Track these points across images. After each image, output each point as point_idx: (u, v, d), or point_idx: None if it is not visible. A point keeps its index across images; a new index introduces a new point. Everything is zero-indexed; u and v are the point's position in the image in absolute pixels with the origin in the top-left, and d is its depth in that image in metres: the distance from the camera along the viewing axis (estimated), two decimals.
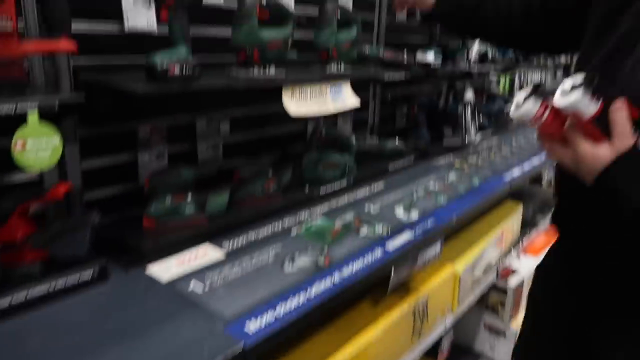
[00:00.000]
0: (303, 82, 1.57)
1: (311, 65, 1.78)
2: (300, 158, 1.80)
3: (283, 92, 1.52)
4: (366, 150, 2.10)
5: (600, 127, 0.86)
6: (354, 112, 2.33)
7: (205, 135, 1.70)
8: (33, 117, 1.03)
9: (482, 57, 2.83)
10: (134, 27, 1.42)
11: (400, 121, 2.79)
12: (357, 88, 1.77)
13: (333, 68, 1.78)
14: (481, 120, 2.91)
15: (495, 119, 3.05)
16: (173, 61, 1.26)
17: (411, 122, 2.72)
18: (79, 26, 1.32)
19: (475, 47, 2.76)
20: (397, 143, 2.26)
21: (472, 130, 2.66)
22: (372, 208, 1.72)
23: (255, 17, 1.46)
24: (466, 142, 2.61)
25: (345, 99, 1.74)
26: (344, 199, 1.78)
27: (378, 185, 1.95)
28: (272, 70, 1.55)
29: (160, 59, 1.25)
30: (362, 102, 1.79)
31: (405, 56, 2.14)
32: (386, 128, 2.62)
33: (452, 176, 2.12)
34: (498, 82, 3.74)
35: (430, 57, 2.41)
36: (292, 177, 1.73)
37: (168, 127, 1.60)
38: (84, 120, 1.31)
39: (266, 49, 1.50)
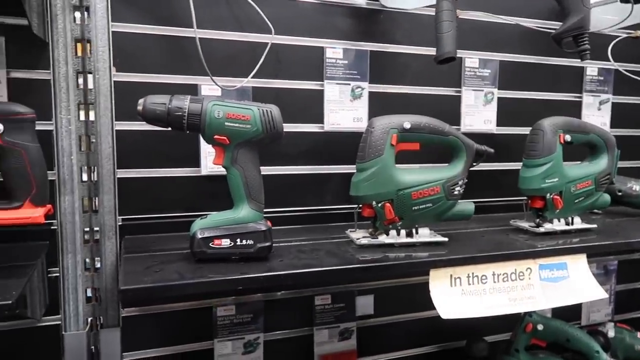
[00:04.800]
0: (475, 260, 0.88)
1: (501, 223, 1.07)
2: None
3: (430, 277, 0.86)
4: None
5: None
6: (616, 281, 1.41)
7: (324, 316, 1.14)
8: None
9: None
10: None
11: None
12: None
13: (549, 226, 1.03)
14: None
15: None
16: (220, 229, 0.79)
17: None
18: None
19: None
20: None
21: None
22: None
23: (391, 151, 0.89)
24: None
25: (572, 285, 0.94)
26: None
27: None
28: (420, 235, 0.93)
29: (200, 226, 0.79)
30: (632, 266, 0.97)
31: None
32: None
33: None
34: None
35: None
36: None
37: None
38: None
39: (408, 201, 0.90)
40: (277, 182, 1.07)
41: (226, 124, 0.78)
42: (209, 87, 0.99)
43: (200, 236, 0.78)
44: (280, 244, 0.89)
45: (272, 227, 0.82)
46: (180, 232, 0.98)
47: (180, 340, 1.04)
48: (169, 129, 0.79)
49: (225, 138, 0.79)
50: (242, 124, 0.79)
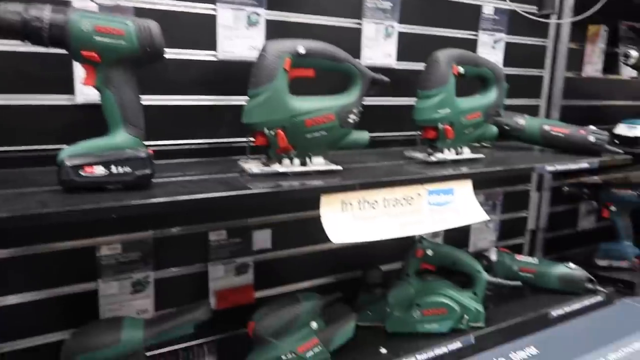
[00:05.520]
0: (366, 186, 0.88)
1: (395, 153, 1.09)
2: (381, 293, 1.16)
3: (322, 203, 0.85)
4: (512, 283, 1.27)
5: None
6: (501, 211, 1.52)
7: (220, 252, 1.11)
8: None
9: None
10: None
11: (584, 227, 1.86)
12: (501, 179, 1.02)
13: (441, 156, 1.06)
14: None
15: None
16: (93, 155, 0.72)
17: (603, 230, 1.78)
18: None
19: None
20: (572, 267, 1.37)
21: None
22: None
23: (285, 76, 0.85)
24: None
25: (459, 209, 0.98)
26: None
27: (527, 351, 1.15)
28: (314, 164, 0.91)
29: (69, 153, 0.72)
30: (515, 197, 1.03)
31: (593, 132, 1.27)
32: (558, 240, 1.72)
33: None
34: None
35: None
36: (358, 330, 1.04)
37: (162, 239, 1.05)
38: None
39: (301, 128, 0.87)
40: (166, 112, 0.99)
41: (95, 37, 0.70)
42: (83, 3, 0.88)
43: (68, 164, 0.71)
44: (168, 178, 0.83)
45: (161, 162, 0.76)
46: (52, 166, 0.89)
47: (60, 282, 0.96)
48: (27, 42, 0.69)
49: (95, 55, 0.71)
50: (114, 39, 0.71)
